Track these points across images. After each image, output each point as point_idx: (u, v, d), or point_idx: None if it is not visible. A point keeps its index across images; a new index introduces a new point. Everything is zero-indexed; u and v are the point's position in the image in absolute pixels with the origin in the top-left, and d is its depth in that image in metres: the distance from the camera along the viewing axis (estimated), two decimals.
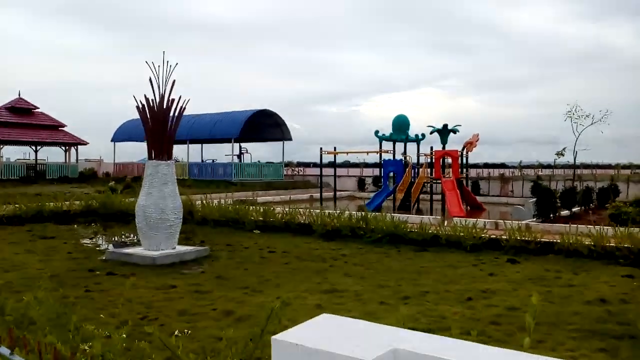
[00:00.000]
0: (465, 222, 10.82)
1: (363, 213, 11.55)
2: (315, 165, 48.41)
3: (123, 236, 11.69)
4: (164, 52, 8.84)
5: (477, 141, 19.89)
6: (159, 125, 8.65)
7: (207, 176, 30.67)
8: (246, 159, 34.21)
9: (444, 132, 20.69)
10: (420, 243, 10.17)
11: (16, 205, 14.69)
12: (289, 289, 6.53)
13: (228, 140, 31.39)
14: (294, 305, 5.69)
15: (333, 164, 24.30)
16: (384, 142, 21.96)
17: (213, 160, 33.56)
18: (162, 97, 8.67)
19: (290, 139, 33.30)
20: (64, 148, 38.15)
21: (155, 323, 4.96)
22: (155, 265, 8.04)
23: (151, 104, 8.70)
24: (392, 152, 21.83)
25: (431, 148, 20.77)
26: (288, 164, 36.33)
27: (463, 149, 20.28)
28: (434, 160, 20.17)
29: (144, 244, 8.61)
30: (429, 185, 20.68)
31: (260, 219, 12.86)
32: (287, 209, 13.00)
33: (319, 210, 12.57)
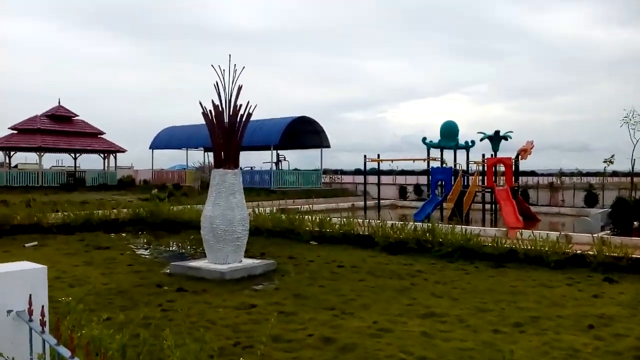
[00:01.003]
0: (538, 235, 10.10)
1: (429, 225, 10.91)
2: (343, 172, 47.85)
3: (180, 247, 11.29)
4: (230, 55, 8.41)
5: (531, 148, 19.06)
6: (226, 132, 8.20)
7: (245, 184, 30.34)
8: (284, 166, 33.86)
9: (496, 139, 19.91)
10: (495, 258, 9.49)
11: (65, 213, 14.50)
12: (379, 311, 5.95)
13: (267, 148, 31.07)
14: (396, 332, 5.11)
15: (377, 172, 23.66)
16: (431, 150, 21.24)
17: (251, 168, 33.30)
18: (229, 103, 8.22)
19: (329, 146, 32.85)
20: (102, 155, 38.44)
21: (252, 352, 4.44)
22: (224, 280, 7.56)
23: (218, 110, 8.25)
24: (439, 159, 21.11)
25: (483, 155, 20.00)
26: (325, 172, 35.82)
27: (517, 157, 19.45)
28: (486, 168, 19.38)
29: (210, 257, 8.15)
30: (481, 194, 19.89)
31: (316, 229, 12.35)
32: (343, 219, 12.45)
33: (378, 221, 11.97)
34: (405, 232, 10.94)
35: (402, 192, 29.07)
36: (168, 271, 8.26)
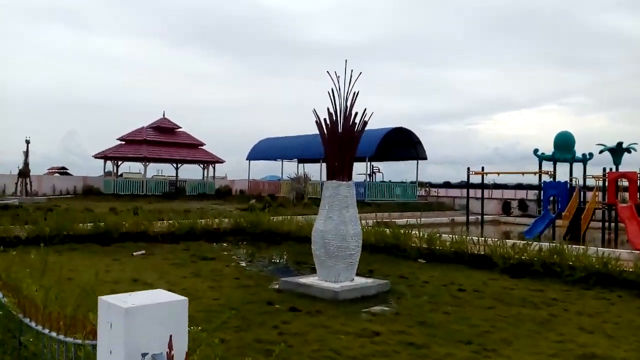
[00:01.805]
0: None
1: (557, 245, 9.77)
2: (431, 185, 46.26)
3: (284, 260, 10.94)
4: (346, 60, 7.91)
5: None
6: (340, 142, 7.69)
7: None
8: (377, 178, 33.15)
9: (618, 152, 18.04)
10: (639, 286, 8.25)
11: (169, 222, 14.71)
12: (526, 348, 5.10)
13: (361, 159, 30.51)
14: None
15: (481, 186, 22.35)
16: (543, 162, 19.68)
17: None
18: (344, 111, 7.71)
19: (425, 158, 31.75)
20: (202, 165, 39.74)
21: None
22: (337, 300, 7.00)
23: (332, 118, 7.77)
24: (552, 173, 19.50)
25: (604, 169, 18.17)
26: (421, 184, 34.70)
27: None
28: (607, 183, 17.58)
29: (321, 274, 7.64)
30: (601, 211, 18.07)
31: (425, 246, 11.54)
32: (454, 236, 11.55)
33: (495, 239, 10.95)
34: (529, 253, 9.88)
35: (506, 207, 27.34)
36: (277, 287, 7.84)
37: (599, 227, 18.17)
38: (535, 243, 10.24)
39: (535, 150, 19.22)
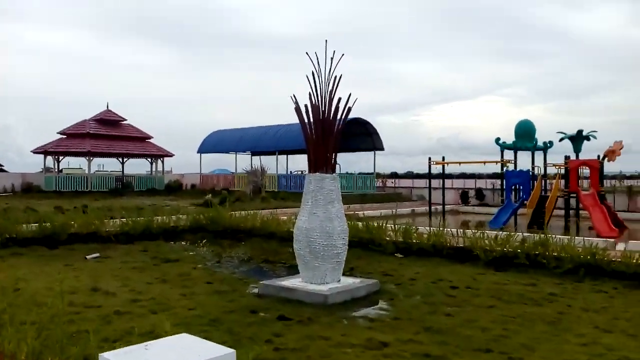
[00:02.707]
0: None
1: (541, 236, 9.45)
2: (387, 176, 46.36)
3: (254, 260, 10.15)
4: (326, 41, 7.22)
5: (620, 149, 17.26)
6: (323, 130, 7.00)
7: (296, 189, 29.25)
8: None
9: (578, 139, 18.18)
10: (630, 277, 8.01)
11: (122, 220, 13.61)
12: (553, 355, 4.60)
13: None
14: None
15: (442, 175, 22.16)
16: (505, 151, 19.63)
17: (302, 172, 32.17)
18: (330, 95, 7.02)
19: (382, 149, 31.47)
20: (149, 160, 38.06)
21: None
22: (327, 304, 6.33)
23: (314, 104, 7.07)
24: (513, 162, 19.49)
25: (566, 157, 18.25)
26: (378, 175, 34.42)
27: (603, 158, 17.68)
28: (569, 171, 17.68)
29: (306, 276, 6.95)
30: (563, 200, 18.18)
31: (401, 239, 11.04)
32: (432, 229, 11.11)
33: (474, 231, 10.57)
34: (511, 245, 9.53)
35: (464, 196, 27.41)
36: (256, 291, 7.10)
37: (561, 215, 18.29)
38: (518, 234, 9.91)
39: (497, 139, 19.14)
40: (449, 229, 11.01)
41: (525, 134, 18.89)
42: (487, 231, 10.51)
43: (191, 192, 34.36)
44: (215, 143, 35.95)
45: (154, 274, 8.27)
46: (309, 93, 7.05)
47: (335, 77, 7.15)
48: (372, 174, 32.01)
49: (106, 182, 34.99)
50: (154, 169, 38.01)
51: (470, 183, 35.12)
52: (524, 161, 20.07)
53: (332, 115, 7.03)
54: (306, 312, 5.99)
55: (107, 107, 36.42)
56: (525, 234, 9.94)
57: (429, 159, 21.26)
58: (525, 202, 17.93)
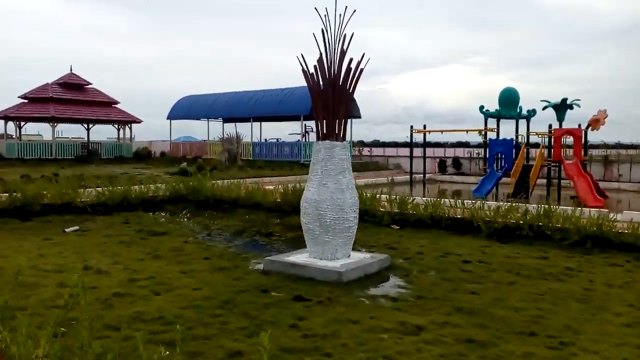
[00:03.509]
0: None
1: (545, 207, 9.21)
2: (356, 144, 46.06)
3: (245, 232, 9.63)
4: None
5: (605, 118, 17.21)
6: (333, 94, 6.45)
7: (271, 157, 28.66)
8: (311, 138, 31.92)
9: (561, 108, 18.06)
10: (638, 249, 7.87)
11: (98, 190, 12.84)
12: (605, 339, 4.29)
13: (295, 118, 29.21)
14: None
15: (423, 145, 21.85)
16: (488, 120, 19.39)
17: (277, 140, 31.48)
18: (341, 55, 6.44)
19: (359, 117, 30.94)
20: (116, 126, 36.63)
21: None
22: (342, 282, 5.91)
23: (323, 65, 6.49)
24: (496, 130, 19.31)
25: (550, 126, 18.14)
26: (354, 144, 33.99)
27: (587, 127, 17.64)
28: (552, 140, 17.60)
29: (315, 251, 6.49)
30: (546, 169, 18.14)
31: (396, 210, 10.68)
32: (428, 199, 10.78)
33: (475, 201, 10.27)
34: (514, 216, 9.28)
35: (442, 165, 27.30)
36: (260, 267, 6.62)
37: (542, 185, 18.29)
38: (521, 204, 9.66)
39: (481, 107, 18.86)
40: (445, 199, 10.70)
41: (509, 102, 18.66)
42: (487, 202, 10.22)
43: (161, 160, 33.29)
44: (186, 109, 34.76)
45: (144, 249, 7.68)
46: (320, 53, 6.46)
47: (345, 35, 6.56)
48: (349, 142, 31.55)
49: (72, 150, 33.53)
50: (121, 136, 36.61)
51: (440, 152, 35.14)
52: (506, 130, 19.91)
53: (343, 77, 6.47)
54: (323, 292, 5.55)
55: (71, 70, 34.65)
56: (529, 206, 9.68)
57: (411, 127, 20.92)
58: (509, 171, 17.82)
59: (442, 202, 10.42)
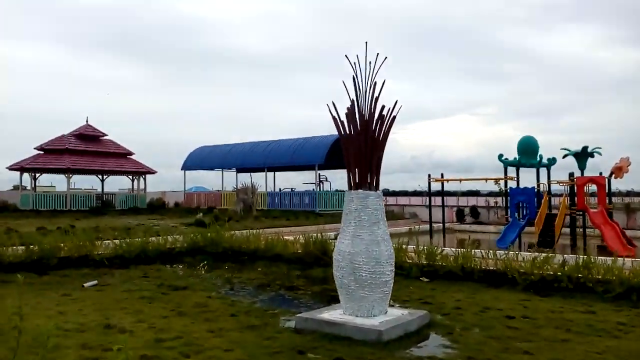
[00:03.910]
0: None
1: (583, 257, 8.79)
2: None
3: (268, 286, 9.25)
4: (366, 42, 6.49)
5: (628, 166, 16.89)
6: (366, 141, 6.23)
7: (286, 206, 28.41)
8: (325, 187, 31.77)
9: (582, 156, 17.78)
10: None
11: (116, 242, 12.59)
12: None
13: (310, 168, 29.12)
14: None
15: (441, 193, 21.53)
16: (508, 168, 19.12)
17: (292, 189, 31.32)
18: (374, 102, 6.25)
19: None
20: (130, 177, 36.75)
21: None
22: (382, 341, 5.50)
23: (355, 112, 6.30)
24: (516, 179, 18.99)
25: (571, 174, 17.83)
26: None
27: (610, 175, 17.30)
28: (575, 189, 17.23)
29: (350, 307, 6.11)
30: (570, 218, 17.68)
31: (424, 262, 10.28)
32: (457, 250, 10.39)
33: (505, 252, 9.87)
34: (551, 267, 8.86)
35: (459, 214, 26.87)
36: (292, 325, 6.23)
37: (566, 234, 17.81)
38: (558, 257, 9.25)
39: (500, 156, 18.63)
40: (475, 250, 10.31)
41: (528, 151, 18.44)
42: (521, 252, 9.81)
43: (176, 210, 33.16)
44: (200, 159, 34.90)
45: (167, 305, 7.32)
46: (351, 100, 6.28)
47: (375, 83, 6.39)
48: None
49: (86, 201, 33.54)
50: (135, 187, 36.67)
51: (452, 201, 34.68)
52: (525, 179, 19.62)
53: (376, 124, 6.26)
54: (364, 353, 5.15)
55: (87, 121, 35.13)
56: (566, 256, 9.27)
57: (429, 175, 20.68)
58: (532, 219, 17.40)
59: (473, 252, 10.03)
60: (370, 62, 6.42)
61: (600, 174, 18.30)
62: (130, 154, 36.13)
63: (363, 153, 6.26)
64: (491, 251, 10.13)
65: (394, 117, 6.42)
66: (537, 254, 9.51)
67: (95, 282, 9.22)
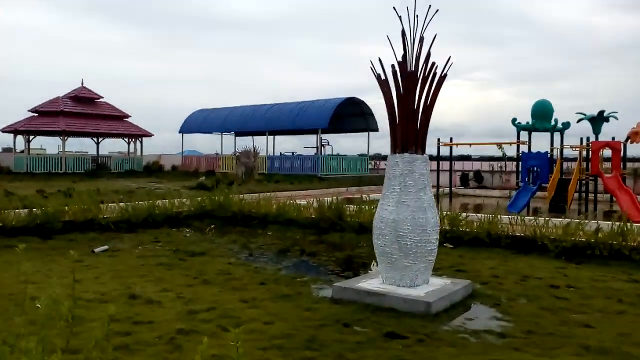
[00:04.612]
0: None
1: (620, 224, 8.43)
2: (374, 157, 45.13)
3: (287, 251, 8.86)
4: None
5: None
6: (413, 101, 5.71)
7: (287, 170, 27.90)
8: (327, 151, 31.19)
9: (598, 121, 17.32)
10: None
11: (121, 205, 12.10)
12: None
13: (312, 132, 28.52)
14: None
15: (449, 158, 21.10)
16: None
17: (293, 153, 30.76)
18: (426, 58, 5.69)
19: (377, 130, 30.26)
20: (127, 140, 36.01)
21: None
22: (430, 313, 5.12)
23: (405, 68, 5.75)
24: (528, 143, 18.56)
25: (587, 139, 17.41)
26: (373, 157, 33.26)
27: (627, 140, 16.89)
28: (590, 154, 16.83)
29: (391, 277, 5.71)
30: (584, 183, 17.36)
31: (447, 227, 9.90)
32: (483, 216, 10.01)
33: (532, 218, 9.50)
34: (585, 234, 8.51)
35: (464, 179, 26.51)
36: (326, 294, 5.84)
37: (577, 199, 17.52)
38: (592, 221, 8.90)
39: (514, 120, 18.13)
40: (501, 215, 9.93)
41: (543, 115, 17.93)
42: (552, 219, 9.43)
43: (174, 173, 32.60)
44: (198, 122, 34.13)
45: (189, 272, 6.90)
46: (402, 56, 5.72)
47: (423, 38, 5.82)
48: (365, 155, 30.81)
49: (81, 164, 32.85)
50: (131, 150, 35.97)
51: (467, 165, 34.33)
52: (537, 143, 19.18)
53: (426, 83, 5.73)
54: (414, 326, 4.77)
55: (82, 83, 34.11)
56: (600, 222, 8.91)
57: (438, 140, 20.19)
58: (544, 185, 17.06)
59: (499, 218, 9.65)
60: (417, 16, 5.85)
61: (613, 138, 17.92)
62: (126, 116, 35.29)
63: (411, 114, 5.75)
64: (518, 217, 9.77)
65: (445, 76, 5.88)
66: (569, 220, 9.14)
67: (106, 247, 8.77)
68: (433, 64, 5.74)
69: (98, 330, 4.42)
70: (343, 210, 11.42)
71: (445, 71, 5.80)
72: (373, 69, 5.94)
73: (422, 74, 5.69)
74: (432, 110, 5.83)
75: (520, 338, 4.52)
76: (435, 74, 5.70)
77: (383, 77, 5.87)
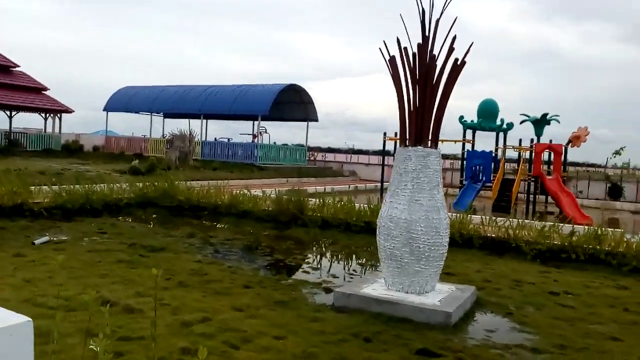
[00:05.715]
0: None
1: (596, 229, 8.45)
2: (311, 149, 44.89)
3: (252, 248, 8.15)
4: None
5: (586, 135, 17.10)
6: (431, 90, 5.21)
7: (222, 157, 26.74)
8: (264, 139, 30.22)
9: (541, 123, 17.80)
10: None
11: (54, 189, 10.81)
12: None
13: (250, 118, 27.49)
14: None
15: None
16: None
17: (229, 140, 29.53)
18: (452, 41, 5.19)
19: (316, 120, 29.72)
20: (44, 115, 33.19)
21: None
22: (449, 325, 4.68)
23: (424, 52, 5.23)
24: (472, 142, 18.79)
25: (531, 140, 17.82)
26: (311, 149, 32.69)
27: (568, 144, 17.47)
28: (533, 155, 17.27)
29: (399, 283, 5.21)
30: (526, 184, 17.78)
31: None
32: (452, 215, 9.77)
33: (515, 220, 9.36)
34: (560, 237, 8.46)
35: None
36: (323, 300, 5.26)
37: (522, 200, 17.97)
38: (565, 225, 8.87)
39: (461, 118, 18.28)
40: (471, 215, 9.75)
41: (489, 114, 18.21)
42: (526, 221, 9.34)
43: (97, 155, 30.40)
44: (125, 101, 31.99)
45: (156, 272, 6.04)
46: (422, 38, 5.20)
47: (438, 22, 5.34)
48: (303, 146, 30.22)
49: None
50: (49, 126, 33.20)
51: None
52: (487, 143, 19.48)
53: (446, 70, 5.25)
54: (438, 339, 4.30)
55: None
56: (576, 227, 8.90)
57: (384, 134, 19.98)
58: (487, 183, 17.32)
59: (470, 218, 9.45)
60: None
61: (550, 141, 18.52)
62: (45, 89, 32.47)
63: (425, 104, 5.24)
64: (490, 217, 9.62)
65: (464, 63, 5.41)
66: (543, 223, 9.08)
67: (47, 238, 7.65)
68: (450, 49, 5.26)
69: (79, 350, 3.60)
70: (304, 203, 10.82)
71: (464, 57, 5.34)
72: (385, 49, 5.37)
73: (444, 60, 5.19)
74: (448, 101, 5.36)
75: (554, 353, 4.18)
76: (456, 59, 5.23)
77: (396, 63, 5.32)
